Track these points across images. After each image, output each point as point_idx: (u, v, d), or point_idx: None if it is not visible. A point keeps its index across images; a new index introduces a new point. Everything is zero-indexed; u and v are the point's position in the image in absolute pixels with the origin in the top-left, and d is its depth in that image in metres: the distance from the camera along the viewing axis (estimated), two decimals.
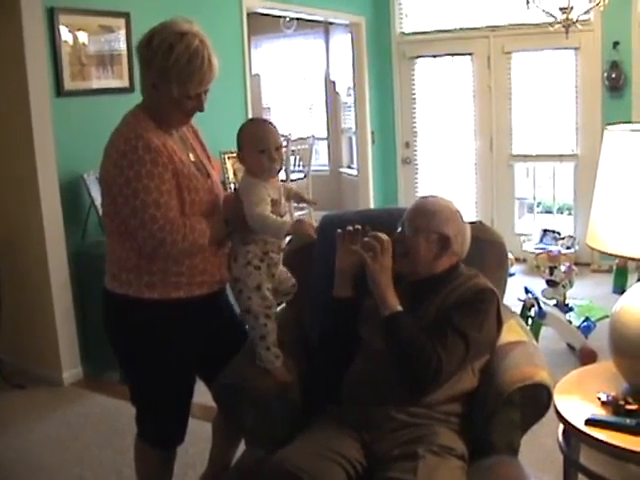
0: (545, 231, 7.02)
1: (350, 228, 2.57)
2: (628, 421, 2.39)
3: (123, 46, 5.04)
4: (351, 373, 2.52)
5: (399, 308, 2.40)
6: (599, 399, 2.57)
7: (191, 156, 2.61)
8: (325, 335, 2.65)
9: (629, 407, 2.46)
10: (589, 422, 2.43)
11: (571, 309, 5.14)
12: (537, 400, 2.36)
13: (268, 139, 2.57)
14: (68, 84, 4.71)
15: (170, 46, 2.37)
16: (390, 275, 2.45)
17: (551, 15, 5.75)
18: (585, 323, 4.92)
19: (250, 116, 6.33)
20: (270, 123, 2.63)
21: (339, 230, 2.60)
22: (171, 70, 2.37)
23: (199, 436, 3.01)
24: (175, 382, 2.66)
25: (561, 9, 5.65)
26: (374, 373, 2.43)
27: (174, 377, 2.65)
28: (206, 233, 2.48)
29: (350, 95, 8.82)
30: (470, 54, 7.75)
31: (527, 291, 4.92)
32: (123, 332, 2.65)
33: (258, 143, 2.56)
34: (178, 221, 2.41)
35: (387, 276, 2.44)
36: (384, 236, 2.47)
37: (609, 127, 2.67)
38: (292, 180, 8.39)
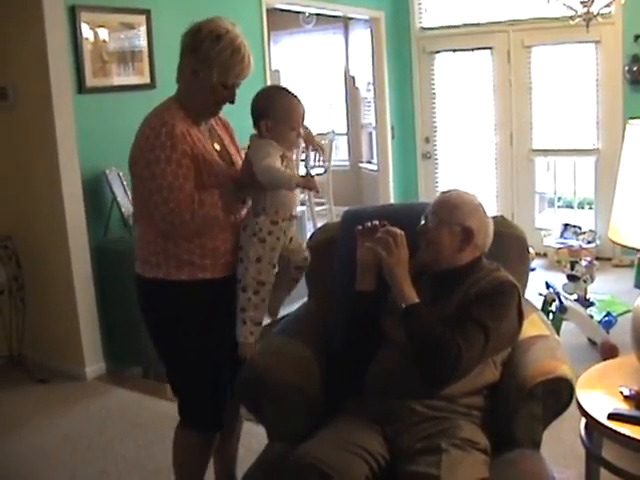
0: (566, 226, 6.99)
1: (369, 224, 2.59)
2: None
3: (144, 43, 5.07)
4: (373, 366, 2.54)
5: (416, 300, 2.41)
6: (621, 393, 2.56)
7: (216, 146, 2.69)
8: (348, 329, 2.67)
9: None
10: (612, 416, 2.43)
11: (592, 304, 5.13)
12: (559, 394, 2.36)
13: (301, 117, 2.61)
14: (90, 81, 4.74)
15: (218, 37, 2.51)
16: (407, 268, 2.47)
17: (571, 9, 5.73)
18: (606, 318, 4.90)
19: None
20: (298, 97, 2.64)
21: (359, 227, 2.62)
22: (216, 57, 2.51)
23: None
24: (210, 363, 2.71)
25: (582, 2, 5.62)
26: (395, 366, 2.45)
27: (209, 358, 2.70)
28: (217, 204, 2.54)
29: (370, 90, 8.80)
30: (490, 48, 7.73)
31: (548, 286, 4.91)
32: (156, 316, 2.72)
33: (294, 120, 2.59)
34: (187, 200, 2.48)
35: (403, 269, 2.46)
36: (397, 230, 2.50)
37: (631, 120, 2.66)
38: (312, 176, 8.37)
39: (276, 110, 2.57)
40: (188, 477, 2.90)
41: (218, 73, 2.53)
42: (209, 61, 2.51)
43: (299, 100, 2.63)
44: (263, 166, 2.50)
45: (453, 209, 2.56)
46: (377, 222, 2.58)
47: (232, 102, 2.62)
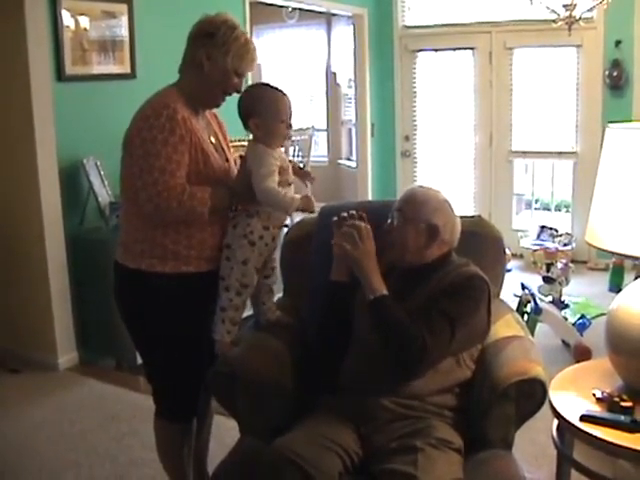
0: (542, 228, 7.01)
1: (345, 214, 2.58)
2: (623, 418, 2.40)
3: (125, 32, 5.03)
4: (345, 364, 2.53)
5: (384, 292, 2.41)
6: (594, 395, 2.57)
7: (212, 139, 2.69)
8: (323, 322, 2.67)
9: (624, 404, 2.46)
10: (584, 418, 2.44)
11: (567, 306, 5.15)
12: (532, 395, 2.37)
13: (289, 109, 2.61)
14: (69, 69, 4.70)
15: (232, 25, 2.61)
16: (375, 260, 2.47)
17: (554, 12, 5.74)
18: (580, 320, 4.93)
19: None
20: (282, 90, 2.66)
21: (334, 217, 2.61)
22: (232, 43, 2.57)
23: None
24: (186, 355, 2.69)
25: (564, 6, 5.64)
26: (363, 363, 2.46)
27: (185, 349, 2.68)
28: (207, 202, 2.51)
29: (351, 87, 8.80)
30: (472, 49, 7.76)
31: (523, 287, 4.93)
32: (134, 305, 2.70)
33: (281, 113, 2.59)
34: (177, 188, 2.46)
35: (370, 261, 2.46)
36: (362, 224, 2.51)
37: (611, 125, 2.67)
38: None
39: (262, 107, 2.58)
40: (174, 464, 2.91)
41: (233, 59, 2.58)
42: (227, 45, 2.56)
43: (283, 92, 2.64)
44: (264, 188, 2.51)
45: (419, 206, 2.55)
46: (354, 212, 2.58)
47: (238, 91, 2.66)
